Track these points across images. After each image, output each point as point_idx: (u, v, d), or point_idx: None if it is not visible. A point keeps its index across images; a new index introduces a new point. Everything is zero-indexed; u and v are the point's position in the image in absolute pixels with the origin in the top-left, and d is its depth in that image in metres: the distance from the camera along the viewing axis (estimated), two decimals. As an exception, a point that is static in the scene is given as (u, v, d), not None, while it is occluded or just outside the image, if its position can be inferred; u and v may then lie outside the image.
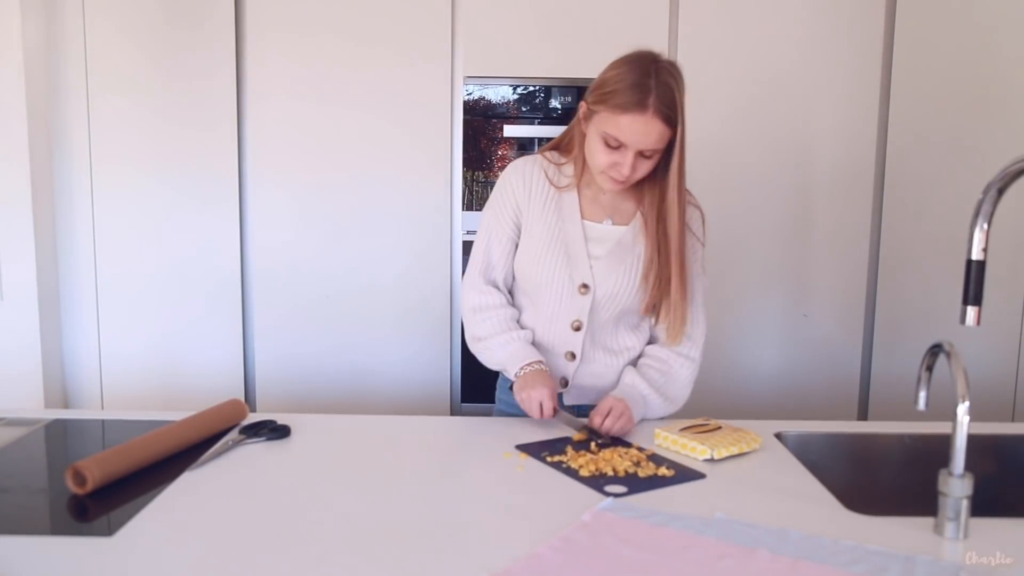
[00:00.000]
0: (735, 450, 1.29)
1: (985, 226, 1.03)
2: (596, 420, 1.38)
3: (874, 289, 2.46)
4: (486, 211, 1.54)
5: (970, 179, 2.36)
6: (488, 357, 1.51)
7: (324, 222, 2.40)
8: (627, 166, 1.35)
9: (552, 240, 1.46)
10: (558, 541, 0.97)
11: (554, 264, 1.45)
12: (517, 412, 1.59)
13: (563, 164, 1.49)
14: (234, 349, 2.44)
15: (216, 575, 0.90)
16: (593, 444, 1.33)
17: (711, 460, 1.27)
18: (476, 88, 2.40)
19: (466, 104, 2.39)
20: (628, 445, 1.34)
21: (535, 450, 1.31)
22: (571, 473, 1.21)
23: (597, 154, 1.37)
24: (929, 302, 2.42)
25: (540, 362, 1.44)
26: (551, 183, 1.48)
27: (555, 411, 1.40)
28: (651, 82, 1.32)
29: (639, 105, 1.31)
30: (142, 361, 2.43)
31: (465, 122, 2.39)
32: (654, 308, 1.48)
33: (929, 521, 1.04)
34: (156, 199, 2.38)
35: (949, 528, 1.01)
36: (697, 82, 2.39)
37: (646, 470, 1.22)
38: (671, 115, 1.34)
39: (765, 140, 2.40)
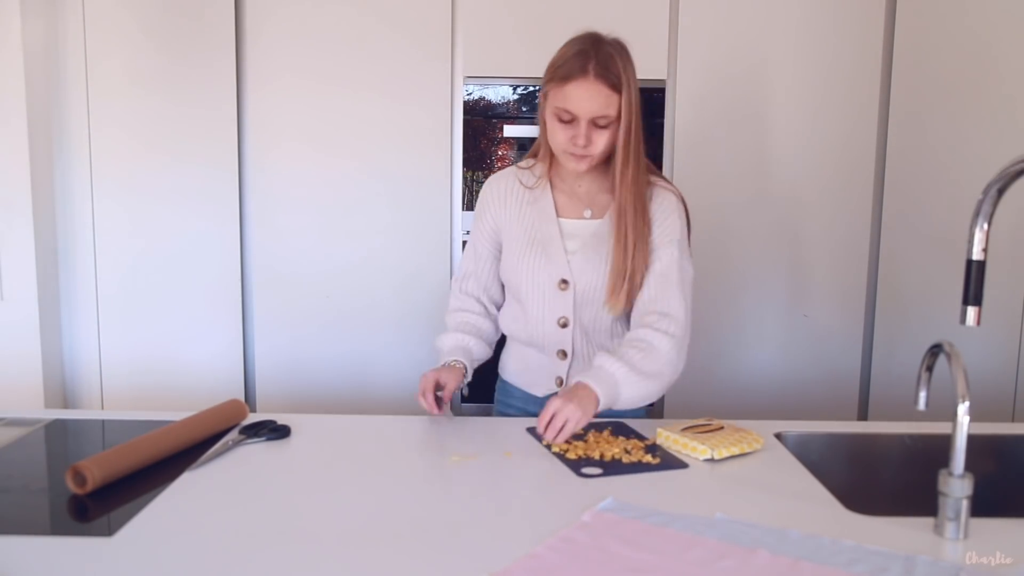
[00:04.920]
0: (736, 450, 1.29)
1: (985, 226, 1.03)
2: (540, 425, 1.32)
3: (874, 289, 2.46)
4: (474, 221, 1.60)
5: (970, 179, 2.36)
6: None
7: (324, 222, 2.40)
8: (581, 136, 1.37)
9: (530, 241, 1.49)
10: (557, 541, 0.97)
11: (533, 263, 1.48)
12: (515, 413, 1.59)
13: (533, 166, 1.54)
14: (234, 349, 2.44)
15: (216, 575, 0.90)
16: (591, 433, 1.37)
17: (711, 460, 1.27)
18: (476, 88, 2.40)
19: (466, 104, 2.39)
20: (630, 435, 1.37)
21: (536, 433, 1.36)
22: (559, 456, 1.27)
23: (556, 134, 1.41)
24: (929, 302, 2.41)
25: (458, 361, 1.51)
26: (523, 186, 1.53)
27: (437, 402, 1.45)
28: (591, 50, 1.38)
29: (581, 71, 1.36)
30: (142, 361, 2.43)
31: (465, 122, 2.39)
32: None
33: (929, 521, 1.04)
34: (156, 199, 2.38)
35: (949, 528, 1.01)
36: (697, 81, 2.39)
37: (632, 458, 1.26)
38: (614, 81, 1.37)
39: (765, 140, 2.40)
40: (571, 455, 1.27)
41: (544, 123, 1.46)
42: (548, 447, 1.31)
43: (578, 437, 1.35)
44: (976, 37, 2.35)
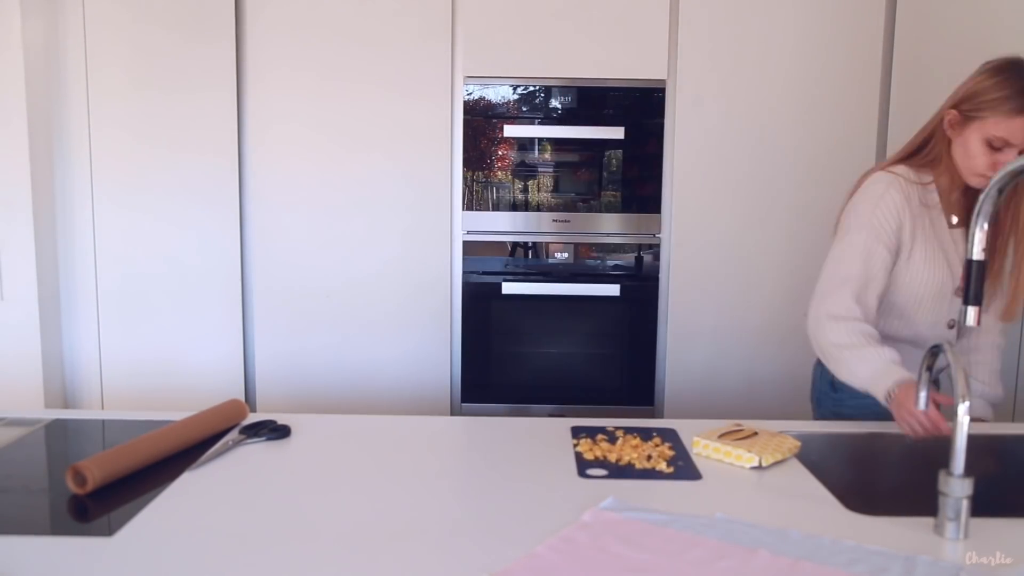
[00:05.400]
0: (779, 456, 1.26)
1: (985, 226, 1.03)
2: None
3: (874, 289, 2.45)
4: (865, 228, 1.53)
5: (970, 179, 2.36)
6: (846, 368, 1.48)
7: (324, 222, 2.40)
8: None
9: (935, 250, 1.54)
10: (558, 541, 0.97)
11: (941, 271, 1.53)
12: (860, 410, 1.56)
13: (929, 183, 1.56)
14: (234, 349, 2.44)
15: (216, 575, 0.90)
16: (619, 431, 1.39)
17: (759, 468, 1.24)
18: (476, 88, 2.40)
19: (466, 104, 2.39)
20: (666, 442, 1.36)
21: (577, 432, 1.40)
22: (577, 456, 1.28)
23: (978, 157, 1.46)
24: (929, 302, 2.41)
25: (909, 377, 1.39)
26: (924, 206, 1.55)
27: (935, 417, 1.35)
28: None
29: None
30: (142, 361, 2.43)
31: (465, 122, 2.39)
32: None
33: (929, 521, 1.04)
34: (156, 199, 2.38)
35: (949, 528, 1.01)
36: (697, 82, 2.39)
37: (647, 465, 1.24)
38: None
39: (765, 140, 2.40)
40: (588, 456, 1.28)
41: (947, 141, 1.51)
42: (575, 445, 1.32)
43: (612, 439, 1.35)
44: (976, 37, 2.34)
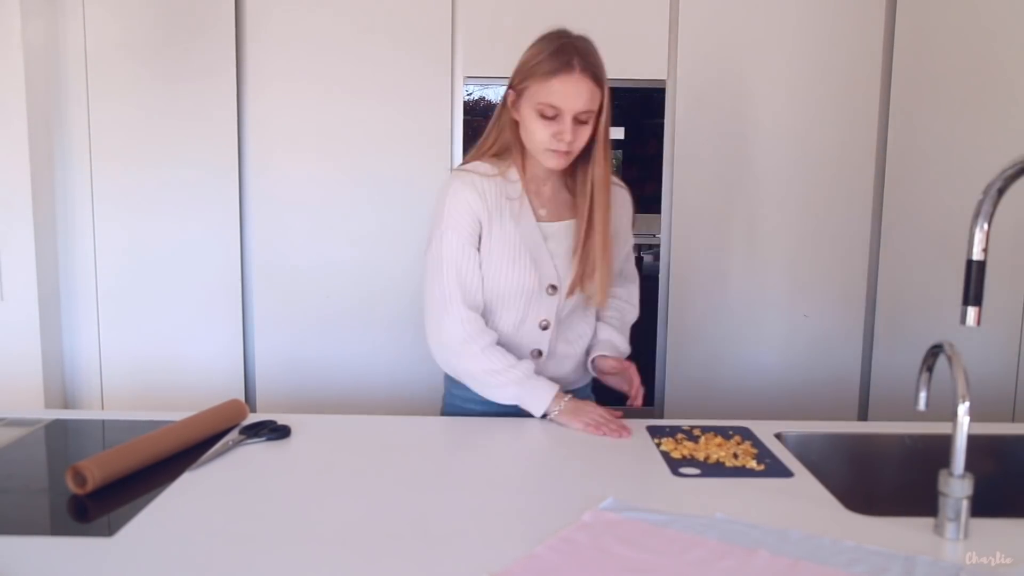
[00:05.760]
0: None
1: (985, 226, 1.03)
2: (635, 388, 1.49)
3: (874, 289, 2.46)
4: (445, 234, 1.43)
5: (970, 179, 2.36)
6: (497, 391, 1.44)
7: (324, 222, 2.40)
8: (568, 131, 1.35)
9: (517, 247, 1.44)
10: (557, 541, 0.97)
11: (523, 270, 1.44)
12: (475, 407, 1.53)
13: (506, 171, 1.45)
14: (234, 349, 2.44)
15: (216, 575, 0.90)
16: (697, 430, 1.39)
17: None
18: (476, 88, 2.40)
19: (466, 104, 2.39)
20: (729, 437, 1.36)
21: (656, 432, 1.39)
22: (664, 455, 1.28)
23: (536, 131, 1.37)
24: (929, 302, 2.41)
25: (560, 388, 1.44)
26: (507, 198, 1.44)
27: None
28: (571, 45, 1.38)
29: (566, 66, 1.35)
30: (142, 361, 2.43)
31: (465, 122, 2.39)
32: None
33: (929, 521, 1.04)
34: (156, 199, 2.38)
35: (949, 528, 1.01)
36: (696, 83, 2.39)
37: (737, 462, 1.24)
38: (597, 73, 1.38)
39: (765, 140, 2.40)
40: (676, 455, 1.27)
41: (513, 124, 1.43)
42: (657, 445, 1.32)
43: (692, 438, 1.35)
44: (976, 37, 2.35)
